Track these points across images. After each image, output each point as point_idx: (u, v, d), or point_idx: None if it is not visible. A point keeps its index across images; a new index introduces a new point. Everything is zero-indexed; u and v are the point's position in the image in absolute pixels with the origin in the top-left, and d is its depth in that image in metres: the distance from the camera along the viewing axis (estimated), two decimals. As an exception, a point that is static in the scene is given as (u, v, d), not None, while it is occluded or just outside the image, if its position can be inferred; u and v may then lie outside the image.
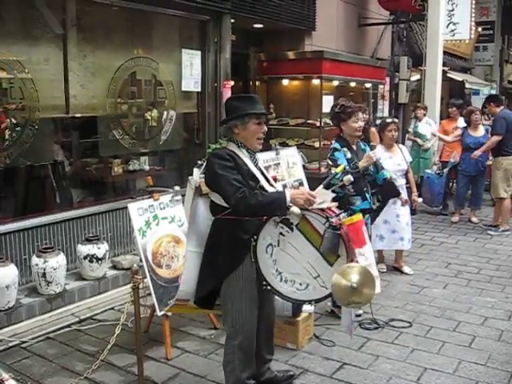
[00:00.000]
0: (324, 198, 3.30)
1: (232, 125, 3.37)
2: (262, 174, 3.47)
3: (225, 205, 3.25)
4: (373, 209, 5.24)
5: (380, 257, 6.52)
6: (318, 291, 3.23)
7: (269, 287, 3.33)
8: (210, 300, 3.55)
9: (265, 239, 3.27)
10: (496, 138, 8.15)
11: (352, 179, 3.91)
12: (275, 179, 3.71)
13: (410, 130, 10.18)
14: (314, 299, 3.32)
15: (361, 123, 4.95)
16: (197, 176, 3.59)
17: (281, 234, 3.24)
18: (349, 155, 4.90)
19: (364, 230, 3.45)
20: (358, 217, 3.41)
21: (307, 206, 3.12)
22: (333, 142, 5.12)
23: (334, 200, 3.44)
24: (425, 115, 10.05)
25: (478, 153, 8.34)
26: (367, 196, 4.98)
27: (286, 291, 3.31)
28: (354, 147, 5.02)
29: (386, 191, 5.27)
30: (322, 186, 3.48)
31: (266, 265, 3.29)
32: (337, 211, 3.28)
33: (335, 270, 3.08)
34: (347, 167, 4.70)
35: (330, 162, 4.91)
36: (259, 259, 3.29)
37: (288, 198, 3.10)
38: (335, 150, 4.94)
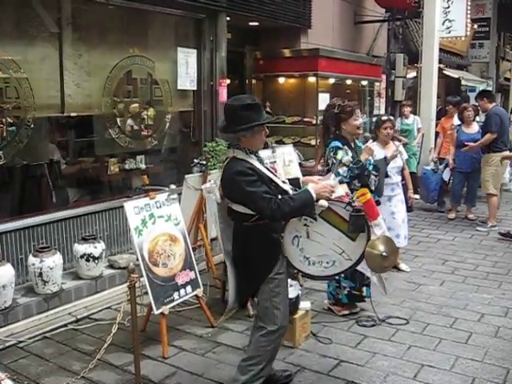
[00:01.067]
0: (337, 185, 3.63)
1: (241, 135, 3.42)
2: (270, 171, 3.58)
3: (251, 212, 3.36)
4: (379, 201, 5.27)
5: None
6: (343, 264, 3.64)
7: (300, 273, 3.77)
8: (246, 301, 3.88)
9: (291, 233, 3.55)
10: (490, 136, 8.15)
11: (351, 159, 4.39)
12: (275, 170, 3.86)
13: (397, 127, 10.19)
14: (342, 271, 3.73)
15: (361, 120, 5.02)
16: (218, 194, 3.67)
17: (305, 225, 3.54)
18: (350, 153, 4.92)
19: (374, 203, 3.77)
20: (367, 192, 3.73)
21: (330, 196, 3.41)
22: (330, 140, 5.10)
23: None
24: (411, 112, 10.08)
25: (473, 146, 8.32)
26: (372, 189, 5.00)
27: (315, 272, 3.68)
28: (352, 145, 5.04)
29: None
30: (333, 175, 3.72)
31: (294, 254, 3.60)
32: (350, 195, 3.65)
33: (358, 244, 3.56)
34: (351, 164, 4.74)
35: (335, 161, 4.79)
36: (288, 252, 3.58)
37: (314, 195, 3.33)
38: (338, 148, 4.91)
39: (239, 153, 3.43)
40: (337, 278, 4.78)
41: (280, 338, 3.59)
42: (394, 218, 6.10)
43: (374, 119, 8.43)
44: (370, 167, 5.05)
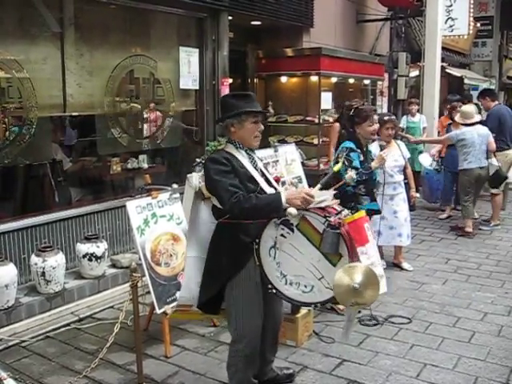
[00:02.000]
0: (324, 196, 3.22)
1: (229, 123, 3.33)
2: (263, 174, 3.41)
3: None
4: (380, 211, 5.27)
5: (379, 253, 6.51)
6: (323, 293, 3.14)
7: (274, 290, 3.27)
8: (215, 305, 3.49)
9: (267, 242, 3.22)
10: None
11: (354, 177, 4.13)
12: (277, 180, 3.64)
13: (402, 125, 10.18)
14: (320, 301, 3.24)
15: (375, 126, 5.02)
16: (197, 180, 3.58)
17: (282, 235, 3.18)
18: (361, 157, 4.94)
19: (367, 228, 3.34)
20: (361, 214, 3.35)
21: (305, 206, 3.05)
22: (344, 140, 5.11)
23: (342, 198, 3.43)
24: (418, 111, 10.05)
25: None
26: (376, 197, 5.00)
27: (291, 294, 3.24)
28: (364, 149, 5.08)
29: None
30: (319, 185, 3.45)
31: (271, 267, 3.24)
32: (338, 209, 3.21)
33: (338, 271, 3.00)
34: (360, 169, 4.77)
35: (346, 162, 4.80)
36: (263, 262, 3.25)
37: (284, 200, 3.05)
38: (351, 150, 4.91)
39: (229, 146, 3.37)
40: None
41: (248, 348, 3.36)
42: (396, 216, 6.10)
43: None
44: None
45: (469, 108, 8.08)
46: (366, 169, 4.83)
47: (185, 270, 3.61)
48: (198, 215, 3.53)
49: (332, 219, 3.02)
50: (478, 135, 7.71)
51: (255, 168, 3.36)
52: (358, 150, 4.96)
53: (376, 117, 5.09)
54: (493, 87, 18.06)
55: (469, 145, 7.66)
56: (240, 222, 3.21)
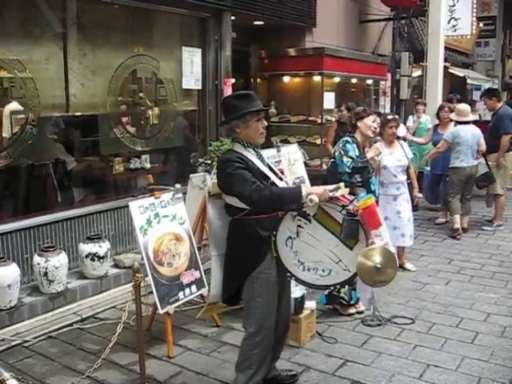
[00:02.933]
0: (336, 186, 3.39)
1: (234, 125, 3.39)
2: (271, 169, 3.50)
3: (242, 206, 3.30)
4: (377, 202, 5.26)
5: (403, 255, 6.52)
6: (341, 275, 3.35)
7: (293, 278, 3.44)
8: (236, 297, 3.57)
9: (284, 233, 3.37)
10: (506, 137, 8.07)
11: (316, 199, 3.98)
12: (282, 172, 3.77)
13: (411, 124, 10.14)
14: (338, 282, 3.48)
15: (376, 124, 5.08)
16: (209, 181, 3.71)
17: (299, 226, 3.34)
18: (357, 152, 4.96)
19: (378, 212, 3.49)
20: (371, 199, 3.44)
21: (323, 198, 3.19)
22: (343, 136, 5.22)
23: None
24: (424, 111, 10.02)
25: (495, 159, 8.15)
26: (372, 188, 5.00)
27: (309, 279, 3.42)
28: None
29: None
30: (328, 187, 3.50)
31: (288, 257, 3.39)
32: (350, 198, 3.37)
33: (357, 253, 3.23)
34: (356, 160, 4.87)
35: (342, 152, 4.96)
36: (280, 253, 3.38)
37: (304, 191, 3.17)
38: (347, 142, 5.02)
39: (237, 146, 3.42)
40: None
41: (265, 341, 3.44)
42: (399, 216, 6.08)
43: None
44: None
45: (465, 106, 8.08)
46: (361, 158, 4.90)
47: (212, 268, 3.69)
48: (217, 213, 3.61)
49: (350, 207, 3.24)
50: (472, 134, 7.73)
51: (264, 164, 3.44)
52: (354, 145, 5.01)
53: (372, 117, 5.09)
54: (496, 87, 18.04)
55: (463, 143, 7.69)
56: (256, 217, 3.30)
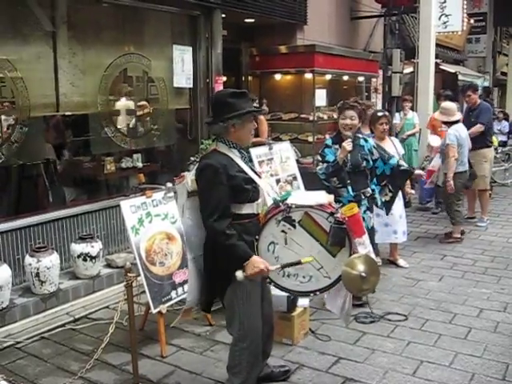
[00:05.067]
0: (318, 198, 3.42)
1: (230, 124, 3.27)
2: (251, 169, 3.41)
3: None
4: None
5: (375, 250, 6.50)
6: (321, 282, 3.36)
7: (272, 283, 3.44)
8: (211, 304, 3.55)
9: (266, 238, 3.34)
10: (479, 128, 8.05)
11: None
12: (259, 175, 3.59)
13: (397, 121, 10.16)
14: (318, 289, 3.43)
15: (348, 121, 4.97)
16: (190, 179, 3.41)
17: (283, 231, 3.31)
18: (337, 152, 4.97)
19: (362, 220, 3.54)
20: (355, 208, 3.44)
21: (259, 274, 3.19)
22: (327, 137, 5.26)
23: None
24: (412, 108, 10.07)
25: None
26: (349, 189, 5.00)
27: (289, 285, 3.42)
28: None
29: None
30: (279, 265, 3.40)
31: (269, 262, 3.28)
32: (335, 206, 3.40)
33: (339, 261, 3.26)
34: (328, 166, 4.95)
35: (320, 158, 5.08)
36: (262, 257, 3.29)
37: (248, 260, 3.15)
38: (326, 146, 5.09)
39: (222, 146, 3.32)
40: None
41: (252, 346, 3.39)
42: (391, 213, 6.08)
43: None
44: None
45: (451, 105, 7.61)
46: (333, 161, 4.95)
47: (188, 272, 3.59)
48: (195, 213, 3.40)
49: (338, 215, 3.25)
50: (466, 135, 7.43)
51: (246, 164, 3.37)
52: (336, 146, 5.01)
53: (352, 112, 4.99)
54: (486, 83, 18.11)
55: (464, 145, 7.33)
56: (240, 222, 3.27)
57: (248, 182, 3.29)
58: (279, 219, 3.29)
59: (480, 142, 8.09)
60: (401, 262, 6.47)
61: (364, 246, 3.40)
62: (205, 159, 3.32)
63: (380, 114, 6.18)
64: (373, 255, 3.50)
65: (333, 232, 3.24)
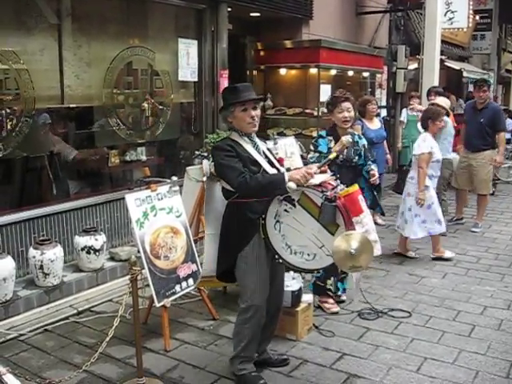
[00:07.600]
0: (321, 177, 3.54)
1: (223, 115, 3.68)
2: (267, 157, 3.69)
3: (232, 189, 3.54)
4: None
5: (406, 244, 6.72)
6: (324, 260, 3.47)
7: (280, 260, 3.60)
8: (230, 275, 3.76)
9: (272, 217, 3.53)
10: (505, 136, 7.99)
11: (350, 139, 4.50)
12: (281, 161, 3.87)
13: (403, 119, 10.11)
14: (322, 267, 3.59)
15: (345, 114, 4.88)
16: (207, 166, 4.01)
17: (285, 210, 3.50)
18: (332, 144, 4.90)
19: (360, 200, 3.58)
20: (355, 187, 3.58)
21: (303, 181, 3.34)
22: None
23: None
24: (420, 104, 10.01)
25: (500, 159, 7.87)
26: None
27: (295, 262, 3.57)
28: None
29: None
30: (316, 165, 3.61)
31: (277, 240, 3.54)
32: (334, 184, 3.53)
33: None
34: (320, 156, 4.86)
35: (312, 147, 5.04)
36: (270, 236, 3.55)
37: (286, 178, 3.35)
38: (320, 136, 5.06)
39: (234, 134, 3.66)
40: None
41: (256, 318, 3.65)
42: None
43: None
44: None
45: (444, 101, 7.72)
46: (327, 153, 4.84)
47: (204, 246, 4.03)
48: (212, 195, 3.91)
49: (328, 193, 3.37)
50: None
51: (258, 152, 3.64)
52: (330, 138, 4.96)
53: (348, 104, 4.89)
54: (491, 80, 18.03)
55: (452, 134, 7.85)
56: (246, 200, 3.52)
57: (253, 163, 3.56)
58: (280, 199, 3.47)
59: (486, 142, 7.80)
60: (410, 253, 6.68)
61: (361, 225, 3.50)
62: (214, 145, 3.83)
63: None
64: (372, 234, 3.60)
65: (323, 208, 3.38)
